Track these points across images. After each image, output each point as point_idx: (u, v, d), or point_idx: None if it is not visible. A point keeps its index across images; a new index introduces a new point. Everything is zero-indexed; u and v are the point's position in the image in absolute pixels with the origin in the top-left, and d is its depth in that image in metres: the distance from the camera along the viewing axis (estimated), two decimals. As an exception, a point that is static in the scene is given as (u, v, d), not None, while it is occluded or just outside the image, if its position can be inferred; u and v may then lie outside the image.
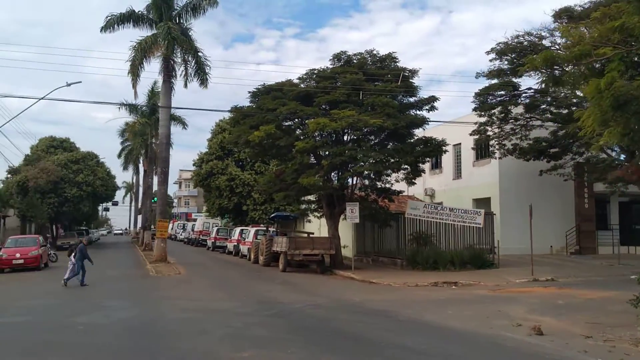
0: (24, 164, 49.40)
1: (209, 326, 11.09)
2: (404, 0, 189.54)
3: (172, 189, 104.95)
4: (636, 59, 11.58)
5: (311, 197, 29.22)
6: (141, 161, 51.39)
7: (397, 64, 25.64)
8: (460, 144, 33.59)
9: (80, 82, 25.38)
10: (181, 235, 65.33)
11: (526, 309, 13.57)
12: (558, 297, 15.87)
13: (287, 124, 25.88)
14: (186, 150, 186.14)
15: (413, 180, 26.16)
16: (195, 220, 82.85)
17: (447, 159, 34.79)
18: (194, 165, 44.88)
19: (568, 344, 9.41)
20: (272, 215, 31.64)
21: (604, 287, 17.49)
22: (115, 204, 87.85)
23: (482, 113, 26.05)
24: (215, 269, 27.33)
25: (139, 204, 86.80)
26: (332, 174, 25.88)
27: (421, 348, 9.22)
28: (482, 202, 31.42)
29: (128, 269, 26.46)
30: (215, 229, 45.30)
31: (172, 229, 70.80)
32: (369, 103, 23.48)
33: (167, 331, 10.72)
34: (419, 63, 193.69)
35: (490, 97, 25.55)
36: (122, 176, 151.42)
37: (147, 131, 42.40)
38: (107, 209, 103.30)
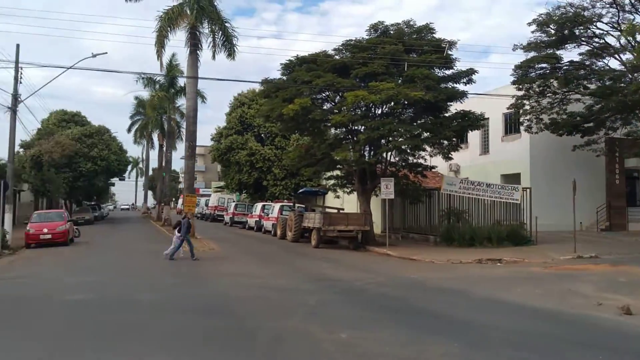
0: (37, 138, 48.75)
1: (285, 304, 10.65)
2: None
3: (178, 164, 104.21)
4: None
5: (339, 173, 28.68)
6: (156, 135, 50.68)
7: (434, 35, 24.88)
8: (488, 118, 32.89)
9: (106, 52, 24.73)
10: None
11: (594, 287, 13.09)
12: (616, 274, 15.38)
13: (321, 96, 25.17)
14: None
15: (450, 155, 25.52)
16: (203, 195, 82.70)
17: (473, 134, 34.05)
18: (212, 140, 44.28)
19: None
20: (301, 190, 31.15)
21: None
22: (123, 179, 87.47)
23: (520, 86, 25.33)
24: (246, 244, 26.89)
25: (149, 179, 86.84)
26: (366, 148, 25.30)
27: (517, 328, 8.78)
28: (511, 178, 30.84)
29: (156, 244, 25.98)
30: (233, 204, 44.87)
31: (182, 204, 70.49)
32: (409, 75, 22.77)
33: (245, 310, 10.23)
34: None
35: (529, 70, 24.78)
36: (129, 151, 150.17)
37: (166, 105, 41.62)
38: (112, 184, 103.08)
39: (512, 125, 31.87)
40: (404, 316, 9.74)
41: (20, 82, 24.91)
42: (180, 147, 54.22)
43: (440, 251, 22.42)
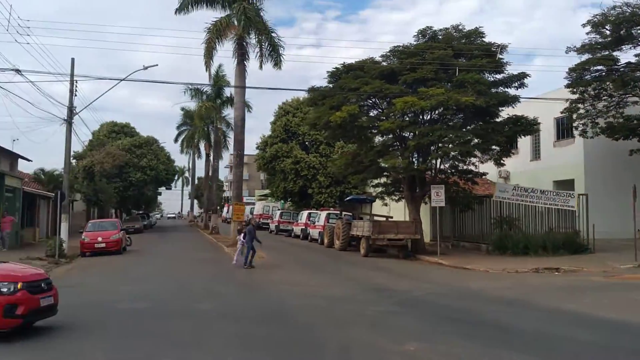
0: (89, 149, 50.15)
1: (344, 314, 10.49)
2: None
3: (222, 173, 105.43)
4: None
5: (386, 180, 28.40)
6: (202, 145, 51.51)
7: (483, 39, 24.42)
8: (540, 122, 32.06)
9: (157, 65, 25.06)
10: (238, 218, 65.61)
11: (666, 299, 12.52)
12: (687, 285, 14.71)
13: (368, 103, 25.02)
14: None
15: (502, 161, 24.95)
16: (247, 204, 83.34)
17: (523, 139, 33.18)
18: (257, 148, 44.59)
19: None
20: (348, 198, 30.97)
21: None
22: (169, 188, 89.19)
23: (575, 90, 24.54)
24: (294, 252, 26.85)
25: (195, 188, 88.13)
26: (414, 155, 24.98)
27: (595, 340, 8.37)
28: (564, 184, 29.89)
29: (207, 252, 26.31)
30: (278, 212, 45.02)
31: (227, 212, 71.31)
32: (459, 80, 22.38)
33: (306, 320, 10.12)
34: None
35: (584, 73, 24.00)
36: (176, 161, 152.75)
37: (213, 115, 42.23)
38: (159, 193, 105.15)
39: (564, 130, 30.93)
40: (473, 328, 9.43)
41: (75, 95, 25.60)
42: (226, 156, 55.04)
43: (494, 260, 21.87)
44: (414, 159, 24.79)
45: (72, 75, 25.25)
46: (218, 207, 56.55)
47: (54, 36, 49.43)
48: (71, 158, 52.17)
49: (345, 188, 40.50)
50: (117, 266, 21.25)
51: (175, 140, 61.02)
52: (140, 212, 60.71)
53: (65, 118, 25.13)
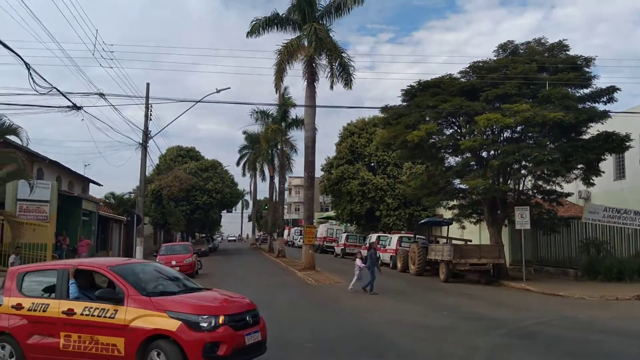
0: (155, 173, 51.16)
1: (456, 347, 9.62)
2: None
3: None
4: None
5: (463, 202, 27.27)
6: (266, 167, 51.69)
7: (568, 52, 23.21)
8: (633, 139, 30.20)
9: (230, 87, 25.13)
10: (299, 241, 65.20)
11: None
12: None
13: (446, 122, 24.15)
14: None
15: (592, 181, 23.47)
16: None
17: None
18: (322, 170, 44.21)
19: None
20: (423, 220, 29.96)
21: None
22: (230, 210, 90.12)
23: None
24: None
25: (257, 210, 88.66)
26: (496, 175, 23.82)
27: None
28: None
29: (280, 277, 25.76)
30: (344, 235, 44.28)
31: (288, 235, 71.15)
32: (544, 95, 21.23)
33: (420, 353, 9.32)
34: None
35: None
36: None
37: (278, 137, 42.27)
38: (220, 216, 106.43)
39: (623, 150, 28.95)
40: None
41: (150, 119, 25.94)
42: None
43: (586, 286, 20.39)
44: (495, 180, 23.62)
45: (147, 99, 25.64)
46: (272, 230, 56.58)
47: (120, 66, 51.20)
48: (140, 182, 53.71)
49: (414, 210, 39.43)
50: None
51: (237, 164, 61.62)
52: (204, 235, 61.30)
53: (141, 142, 25.43)
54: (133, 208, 43.07)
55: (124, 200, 43.07)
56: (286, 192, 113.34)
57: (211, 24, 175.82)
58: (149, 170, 53.74)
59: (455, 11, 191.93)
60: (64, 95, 16.36)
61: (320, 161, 45.01)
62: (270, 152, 48.95)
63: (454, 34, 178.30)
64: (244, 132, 57.14)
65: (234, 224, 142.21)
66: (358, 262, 19.45)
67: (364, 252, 23.46)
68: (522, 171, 22.43)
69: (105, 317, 7.06)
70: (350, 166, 40.92)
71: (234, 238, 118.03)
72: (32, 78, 13.24)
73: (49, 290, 7.84)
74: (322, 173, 44.48)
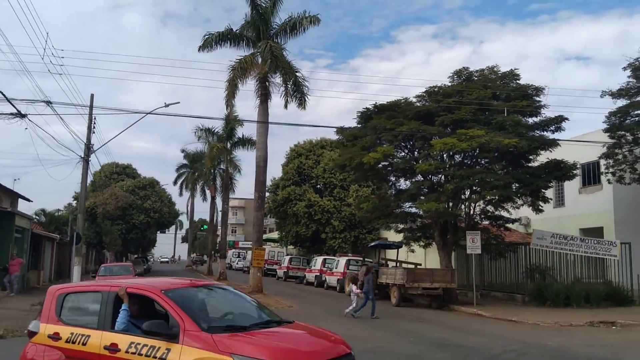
0: (90, 190, 48.73)
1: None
2: (434, 31, 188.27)
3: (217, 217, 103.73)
4: None
5: (413, 225, 27.32)
6: (207, 188, 50.29)
7: (518, 81, 23.84)
8: (579, 167, 31.24)
9: (179, 102, 24.14)
10: (237, 264, 63.77)
11: None
12: None
13: (402, 145, 24.16)
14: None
15: (540, 207, 24.00)
16: (243, 248, 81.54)
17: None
18: (267, 191, 43.31)
19: None
20: (373, 243, 29.73)
21: None
22: (163, 231, 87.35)
23: (613, 134, 23.84)
24: (317, 300, 25.33)
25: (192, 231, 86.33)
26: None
27: None
28: (591, 232, 28.89)
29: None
30: (287, 257, 43.54)
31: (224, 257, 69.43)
32: (498, 122, 21.61)
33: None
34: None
35: (626, 117, 23.31)
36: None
37: (222, 156, 41.19)
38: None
39: (591, 176, 30.14)
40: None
41: (93, 132, 24.55)
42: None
43: (536, 311, 20.64)
44: (448, 204, 23.76)
45: (90, 109, 24.24)
46: (212, 252, 55.02)
47: (67, 73, 48.71)
48: (72, 199, 51.01)
49: (359, 233, 39.28)
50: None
51: (175, 183, 59.91)
52: (137, 255, 58.84)
53: (83, 155, 23.98)
54: (65, 226, 40.77)
55: (55, 218, 40.74)
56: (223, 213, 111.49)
57: (148, 40, 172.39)
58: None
59: (389, 41, 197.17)
60: (9, 101, 15.04)
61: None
62: (212, 171, 47.74)
63: (389, 63, 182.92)
64: (183, 151, 56.00)
65: (166, 245, 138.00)
66: (352, 287, 19.36)
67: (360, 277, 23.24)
68: (473, 196, 22.65)
69: (154, 357, 5.46)
70: (297, 187, 40.42)
71: (167, 259, 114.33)
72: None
73: (92, 316, 6.29)
74: (267, 194, 43.67)
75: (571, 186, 31.89)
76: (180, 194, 62.07)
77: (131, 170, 55.31)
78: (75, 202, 49.42)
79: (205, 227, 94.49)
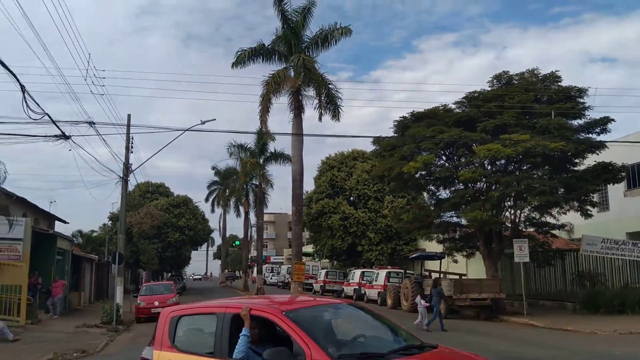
0: (126, 210, 49.18)
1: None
2: (455, 39, 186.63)
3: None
4: None
5: (454, 235, 26.78)
6: (240, 204, 50.33)
7: (560, 82, 23.24)
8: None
9: (215, 119, 24.19)
10: (271, 278, 63.53)
11: None
12: None
13: (442, 153, 23.69)
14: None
15: (589, 212, 23.25)
16: (275, 263, 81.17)
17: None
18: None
19: None
20: (414, 255, 29.19)
21: None
22: (196, 249, 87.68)
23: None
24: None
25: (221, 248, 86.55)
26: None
27: None
28: (639, 236, 27.97)
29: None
30: (323, 271, 43.09)
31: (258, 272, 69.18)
32: (543, 125, 21.02)
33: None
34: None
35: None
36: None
37: (255, 172, 41.17)
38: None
39: (637, 178, 29.17)
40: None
41: (132, 152, 24.66)
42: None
43: (590, 320, 19.91)
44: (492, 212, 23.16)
45: (128, 130, 24.37)
46: (247, 268, 54.79)
47: (107, 93, 49.69)
48: (107, 219, 51.55)
49: (396, 245, 38.71)
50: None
51: (207, 200, 59.99)
52: (173, 273, 59.04)
53: (121, 175, 24.08)
54: (102, 246, 41.16)
55: (92, 239, 41.15)
56: (254, 228, 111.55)
57: (171, 61, 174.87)
58: (117, 207, 51.74)
59: (411, 51, 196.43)
60: (55, 123, 15.10)
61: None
62: (245, 187, 47.75)
63: (411, 72, 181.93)
64: (214, 168, 56.14)
65: (198, 262, 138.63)
66: (419, 300, 19.40)
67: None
68: (519, 202, 22.02)
69: None
70: (331, 200, 40.05)
71: (199, 277, 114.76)
72: (25, 102, 11.98)
73: (207, 341, 5.55)
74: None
75: (616, 189, 30.93)
76: (212, 211, 62.11)
77: (164, 188, 55.68)
78: (110, 222, 49.93)
79: (238, 242, 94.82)
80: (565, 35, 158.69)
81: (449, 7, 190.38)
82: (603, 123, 22.40)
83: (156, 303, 23.69)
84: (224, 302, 6.10)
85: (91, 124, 17.45)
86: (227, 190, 56.85)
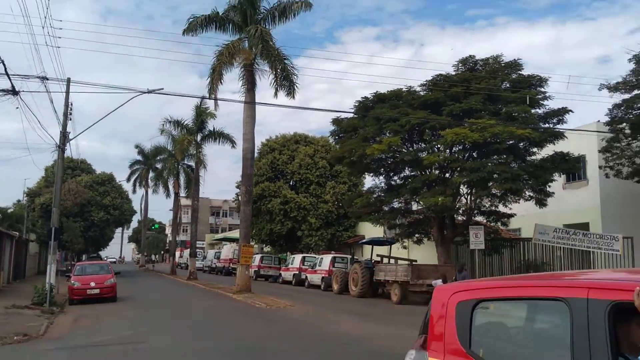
0: (44, 186, 45.58)
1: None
2: (377, 34, 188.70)
3: (167, 216, 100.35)
4: None
5: (404, 221, 26.44)
6: (171, 183, 47.83)
7: (521, 72, 23.30)
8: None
9: (162, 88, 22.37)
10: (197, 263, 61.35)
11: None
12: None
13: (406, 137, 23.15)
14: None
15: (545, 202, 23.54)
16: (199, 248, 78.74)
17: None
18: (237, 187, 41.45)
19: None
20: (365, 240, 28.62)
21: None
22: (120, 229, 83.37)
23: (613, 127, 23.60)
24: (316, 301, 23.85)
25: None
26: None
27: None
28: (576, 228, 28.87)
29: (219, 301, 23.06)
30: (257, 256, 41.84)
31: (180, 257, 66.47)
32: (508, 112, 20.92)
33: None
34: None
35: (629, 110, 23.07)
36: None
37: (191, 150, 39.04)
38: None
39: (576, 172, 30.06)
40: None
41: (70, 119, 22.38)
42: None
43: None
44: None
45: (67, 96, 21.99)
46: (163, 252, 52.44)
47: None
48: (24, 194, 47.58)
49: (335, 230, 38.10)
50: (128, 316, 17.79)
51: (128, 180, 56.67)
52: (94, 254, 55.63)
53: (58, 144, 21.75)
54: (19, 223, 37.72)
55: (8, 214, 37.71)
56: (170, 212, 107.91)
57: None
58: (32, 183, 47.89)
59: (333, 42, 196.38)
60: (7, 75, 12.95)
61: (234, 178, 42.32)
62: (176, 166, 45.44)
63: (332, 63, 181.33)
64: (137, 147, 53.43)
65: (112, 245, 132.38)
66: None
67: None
68: (479, 189, 21.87)
69: None
70: (272, 184, 38.77)
71: (114, 259, 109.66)
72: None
73: (548, 350, 3.15)
74: (237, 190, 41.83)
75: (553, 182, 31.84)
76: (134, 192, 58.97)
77: (86, 165, 52.18)
78: (27, 197, 46.13)
79: (157, 226, 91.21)
80: (480, 36, 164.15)
81: (372, 1, 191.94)
82: (560, 113, 22.66)
83: (92, 284, 21.74)
84: (572, 278, 3.42)
85: (44, 78, 15.29)
86: (151, 171, 54.26)
